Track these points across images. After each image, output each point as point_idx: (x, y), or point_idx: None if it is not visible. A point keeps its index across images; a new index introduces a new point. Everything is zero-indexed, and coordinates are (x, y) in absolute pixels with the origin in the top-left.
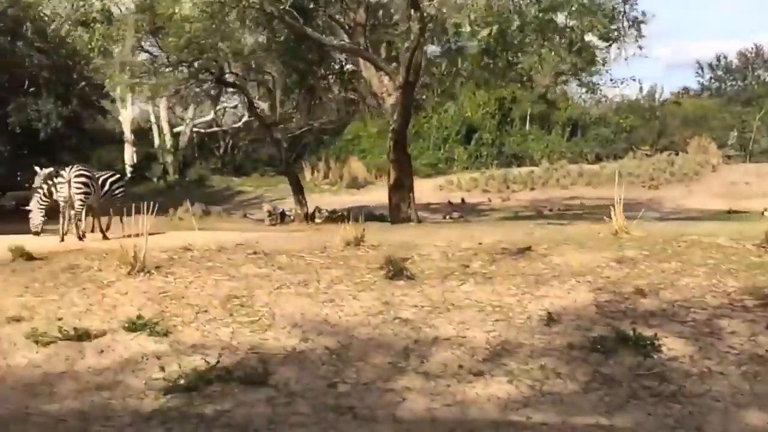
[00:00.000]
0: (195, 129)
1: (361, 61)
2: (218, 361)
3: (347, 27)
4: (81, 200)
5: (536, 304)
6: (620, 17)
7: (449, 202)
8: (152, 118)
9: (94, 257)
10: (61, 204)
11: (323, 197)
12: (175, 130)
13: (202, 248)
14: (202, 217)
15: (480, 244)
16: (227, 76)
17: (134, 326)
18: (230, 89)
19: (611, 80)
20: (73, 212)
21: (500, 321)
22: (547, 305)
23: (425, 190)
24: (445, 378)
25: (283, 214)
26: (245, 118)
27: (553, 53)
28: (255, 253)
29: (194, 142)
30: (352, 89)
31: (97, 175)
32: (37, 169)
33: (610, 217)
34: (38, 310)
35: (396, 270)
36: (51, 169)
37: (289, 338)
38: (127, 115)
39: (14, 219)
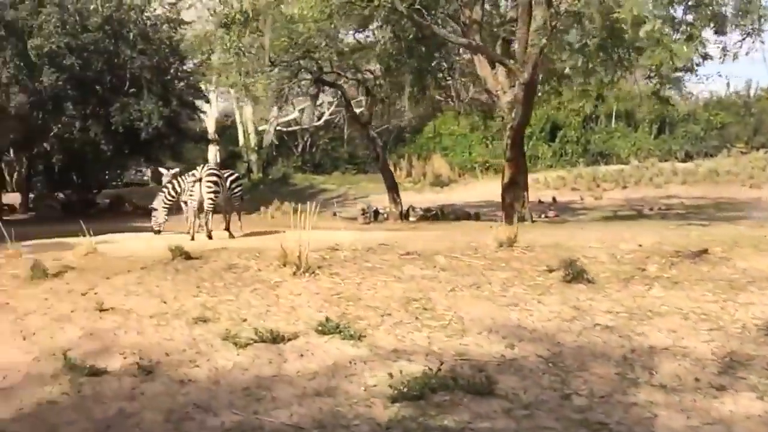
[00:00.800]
0: (278, 128)
1: (475, 58)
2: (439, 369)
3: (463, 24)
4: (212, 199)
5: (744, 312)
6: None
7: (540, 200)
8: (237, 117)
9: (247, 257)
10: (192, 203)
11: (407, 195)
12: (259, 128)
13: (350, 248)
14: (293, 215)
15: (640, 245)
16: (325, 75)
17: (325, 329)
18: (328, 88)
19: (697, 76)
20: (203, 211)
21: (714, 330)
22: (758, 313)
23: None
24: (686, 392)
25: (376, 213)
26: (326, 117)
27: (685, 48)
28: (408, 253)
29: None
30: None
31: (225, 175)
32: (162, 169)
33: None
34: (219, 311)
35: (575, 273)
36: (177, 168)
37: (492, 344)
38: (211, 114)
39: (107, 217)
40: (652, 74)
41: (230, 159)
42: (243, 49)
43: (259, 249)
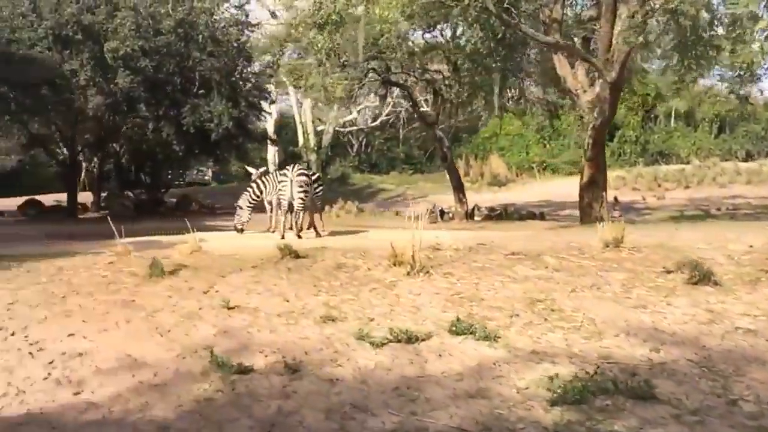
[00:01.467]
0: (337, 128)
1: (555, 57)
2: (596, 372)
3: (543, 23)
4: (302, 199)
5: None
6: None
7: (616, 198)
8: (296, 118)
9: (352, 256)
10: (283, 203)
11: (466, 195)
12: (318, 129)
13: (451, 248)
14: (357, 214)
15: (751, 246)
16: (393, 76)
17: (458, 329)
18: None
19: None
20: (293, 210)
21: None
22: None
23: (568, 187)
24: None
25: (442, 212)
26: (382, 117)
27: None
28: (513, 254)
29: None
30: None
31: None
32: (250, 168)
33: None
34: (344, 310)
35: (701, 275)
36: (264, 168)
37: (634, 347)
38: (271, 115)
39: (176, 216)
40: (742, 72)
41: (290, 159)
42: (335, 50)
43: (360, 248)
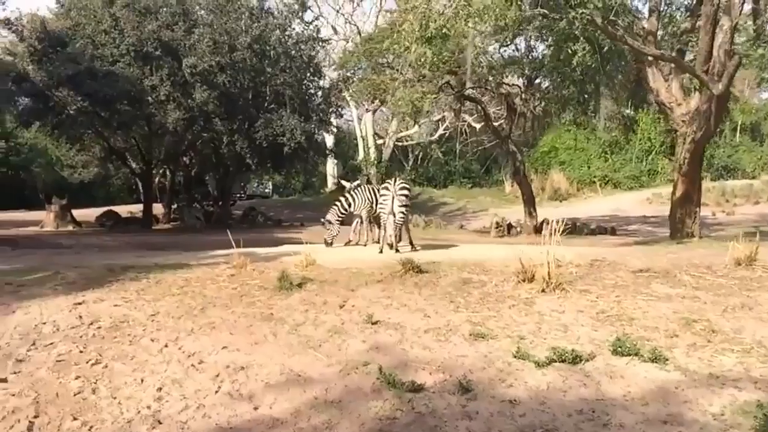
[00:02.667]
0: (397, 142)
1: (648, 70)
2: None
3: (637, 36)
4: (403, 213)
5: None
6: None
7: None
8: (357, 132)
9: (471, 271)
10: (383, 216)
11: (523, 210)
12: (378, 142)
13: (568, 264)
14: (425, 227)
15: None
16: (468, 90)
17: (622, 350)
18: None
19: None
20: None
21: None
22: None
23: (631, 202)
24: None
25: (510, 226)
26: (440, 131)
27: None
28: (641, 271)
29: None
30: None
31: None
32: (344, 182)
33: None
34: (489, 326)
35: None
36: (358, 181)
37: None
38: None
39: (243, 228)
40: None
41: (351, 173)
42: (438, 64)
43: (473, 263)
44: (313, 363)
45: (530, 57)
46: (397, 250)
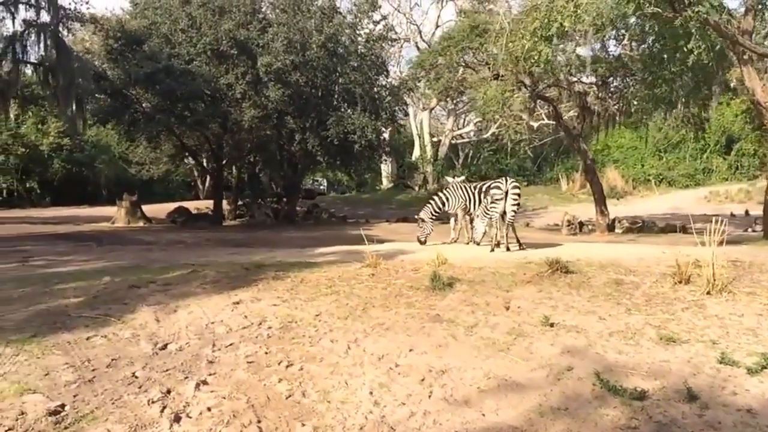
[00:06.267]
0: (453, 141)
1: (744, 69)
2: None
3: (730, 35)
4: (514, 212)
5: None
6: None
7: (732, 214)
8: (413, 130)
9: (618, 270)
10: (495, 215)
11: (583, 207)
12: (433, 140)
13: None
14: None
15: None
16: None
17: None
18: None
19: None
20: (502, 223)
21: None
22: None
23: (688, 200)
24: None
25: (581, 224)
26: (492, 129)
27: None
28: None
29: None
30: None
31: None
32: (448, 178)
33: None
34: (673, 330)
35: None
36: (462, 177)
37: None
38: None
39: (310, 224)
40: None
41: (408, 170)
42: (558, 61)
43: (609, 262)
44: (511, 366)
45: (607, 56)
46: (507, 249)
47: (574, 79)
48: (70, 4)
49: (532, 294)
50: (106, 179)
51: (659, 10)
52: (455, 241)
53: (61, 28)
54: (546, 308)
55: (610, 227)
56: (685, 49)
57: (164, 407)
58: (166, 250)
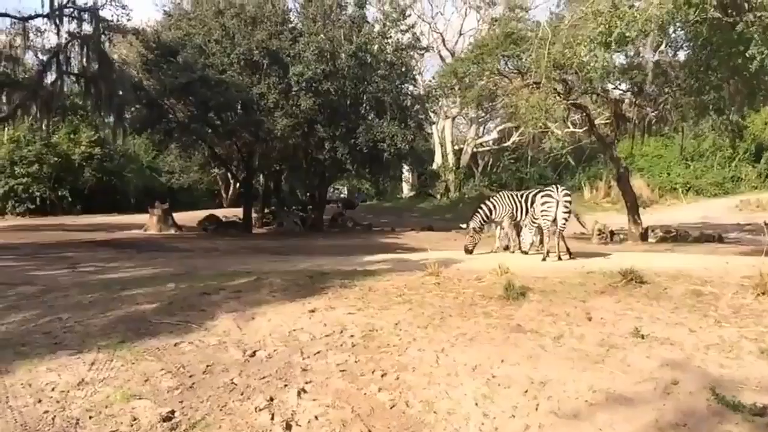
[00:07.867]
0: (475, 149)
1: None
2: None
3: None
4: (565, 220)
5: None
6: None
7: (765, 223)
8: (435, 139)
9: (690, 281)
10: (547, 224)
11: (608, 216)
12: (455, 148)
13: None
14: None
15: None
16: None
17: None
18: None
19: None
20: (553, 232)
21: None
22: None
23: (719, 209)
24: None
25: (612, 233)
26: (513, 138)
27: None
28: None
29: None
30: None
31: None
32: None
33: None
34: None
35: None
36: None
37: None
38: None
39: (338, 232)
40: None
41: (429, 178)
42: (615, 67)
43: (677, 272)
44: (612, 379)
45: (645, 62)
46: (559, 258)
47: (611, 86)
48: (112, 16)
49: (611, 305)
50: (135, 188)
51: (719, 15)
52: (506, 249)
53: (102, 39)
54: (631, 319)
55: (643, 236)
56: (747, 55)
57: (273, 415)
58: (206, 258)
